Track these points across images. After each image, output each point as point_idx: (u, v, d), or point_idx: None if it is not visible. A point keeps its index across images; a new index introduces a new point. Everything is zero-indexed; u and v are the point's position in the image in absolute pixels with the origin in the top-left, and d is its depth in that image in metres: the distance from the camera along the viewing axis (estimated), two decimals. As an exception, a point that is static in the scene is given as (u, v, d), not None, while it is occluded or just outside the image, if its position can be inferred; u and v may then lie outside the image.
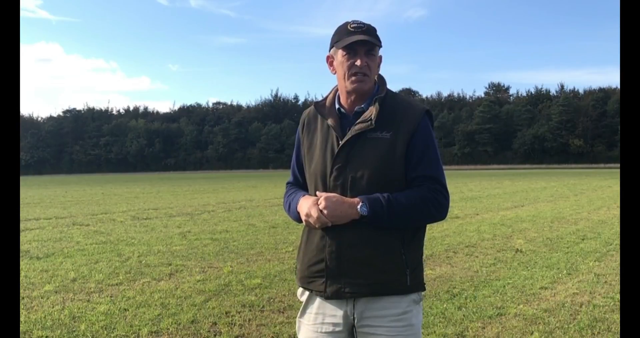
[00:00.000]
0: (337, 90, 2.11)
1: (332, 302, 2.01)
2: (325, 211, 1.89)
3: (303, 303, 2.11)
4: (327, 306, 2.02)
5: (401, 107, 2.01)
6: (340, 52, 1.99)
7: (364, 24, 1.98)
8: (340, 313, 1.99)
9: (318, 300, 2.04)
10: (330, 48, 2.05)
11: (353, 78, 1.97)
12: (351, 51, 1.96)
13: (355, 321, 1.98)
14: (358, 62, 1.95)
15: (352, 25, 1.97)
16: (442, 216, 1.98)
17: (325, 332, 2.01)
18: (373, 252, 1.92)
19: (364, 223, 1.91)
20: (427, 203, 1.92)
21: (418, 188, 1.94)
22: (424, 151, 1.96)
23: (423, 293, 2.05)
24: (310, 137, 2.10)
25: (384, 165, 1.93)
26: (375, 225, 1.90)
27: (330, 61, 2.06)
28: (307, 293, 2.08)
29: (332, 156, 1.98)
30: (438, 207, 1.95)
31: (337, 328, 2.00)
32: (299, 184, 2.19)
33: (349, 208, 1.88)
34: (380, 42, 1.99)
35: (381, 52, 2.04)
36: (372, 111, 1.97)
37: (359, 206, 1.88)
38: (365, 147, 1.95)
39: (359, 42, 1.94)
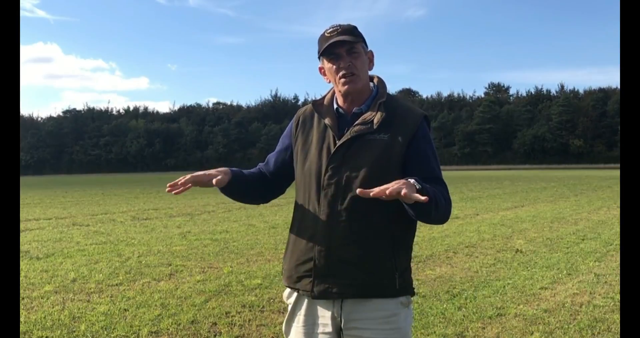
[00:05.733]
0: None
1: (320, 303, 2.00)
2: (404, 190, 1.67)
3: (290, 307, 2.09)
4: (316, 307, 2.01)
5: (400, 110, 2.02)
6: (325, 60, 2.02)
7: (339, 25, 1.99)
8: (328, 314, 1.99)
9: (306, 302, 2.03)
10: (318, 58, 2.07)
11: (342, 80, 1.98)
12: (333, 55, 1.98)
13: (342, 323, 1.97)
14: (342, 64, 1.97)
15: (328, 31, 1.99)
16: (449, 215, 1.96)
17: (316, 333, 2.01)
18: (362, 253, 1.92)
19: (356, 222, 1.90)
20: (446, 198, 1.92)
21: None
22: (429, 156, 1.98)
23: (412, 297, 2.04)
24: (305, 135, 2.10)
25: (380, 166, 1.93)
26: (420, 207, 1.76)
27: (322, 71, 2.09)
28: (294, 295, 2.07)
29: (328, 155, 1.98)
30: (450, 205, 1.95)
31: (327, 330, 1.99)
32: (268, 170, 2.20)
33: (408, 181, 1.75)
34: (359, 37, 1.99)
35: (377, 50, 2.06)
36: (373, 115, 1.98)
37: (415, 182, 1.76)
38: (362, 148, 1.95)
39: (336, 44, 1.96)
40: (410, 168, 1.95)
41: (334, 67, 1.99)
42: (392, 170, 1.93)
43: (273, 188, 2.22)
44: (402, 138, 1.95)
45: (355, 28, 2.00)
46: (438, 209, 1.85)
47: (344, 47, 1.97)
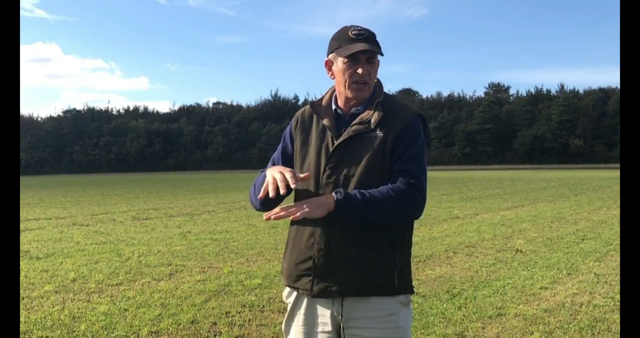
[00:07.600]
0: (334, 91, 2.11)
1: (319, 302, 2.01)
2: (305, 206, 1.86)
3: (290, 306, 2.10)
4: (316, 306, 2.02)
5: (395, 108, 2.03)
6: (341, 60, 1.98)
7: (364, 30, 1.97)
8: (327, 313, 2.00)
9: (306, 301, 2.04)
10: (329, 53, 2.04)
11: (354, 86, 1.98)
12: (352, 58, 1.96)
13: (343, 322, 1.98)
14: (360, 71, 1.96)
15: (353, 32, 1.96)
16: (416, 212, 1.94)
17: (316, 332, 2.01)
18: (361, 252, 1.93)
19: (352, 221, 1.90)
20: (400, 194, 1.89)
21: (393, 182, 1.93)
22: (407, 148, 1.95)
23: (411, 296, 2.05)
24: (303, 136, 2.10)
25: (375, 162, 1.94)
26: (351, 216, 1.87)
27: (329, 65, 2.06)
28: (294, 294, 2.08)
29: (327, 155, 1.99)
30: (412, 200, 1.91)
31: (326, 328, 2.00)
32: None
33: (324, 197, 1.89)
34: (381, 49, 1.98)
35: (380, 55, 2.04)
36: (370, 114, 1.99)
37: (334, 193, 1.88)
38: (360, 147, 1.96)
39: (361, 51, 1.94)
40: (391, 161, 1.95)
41: (350, 71, 1.97)
42: (386, 166, 1.95)
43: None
44: (392, 133, 1.96)
45: (376, 36, 2.00)
46: (381, 213, 1.87)
47: (365, 55, 1.96)
